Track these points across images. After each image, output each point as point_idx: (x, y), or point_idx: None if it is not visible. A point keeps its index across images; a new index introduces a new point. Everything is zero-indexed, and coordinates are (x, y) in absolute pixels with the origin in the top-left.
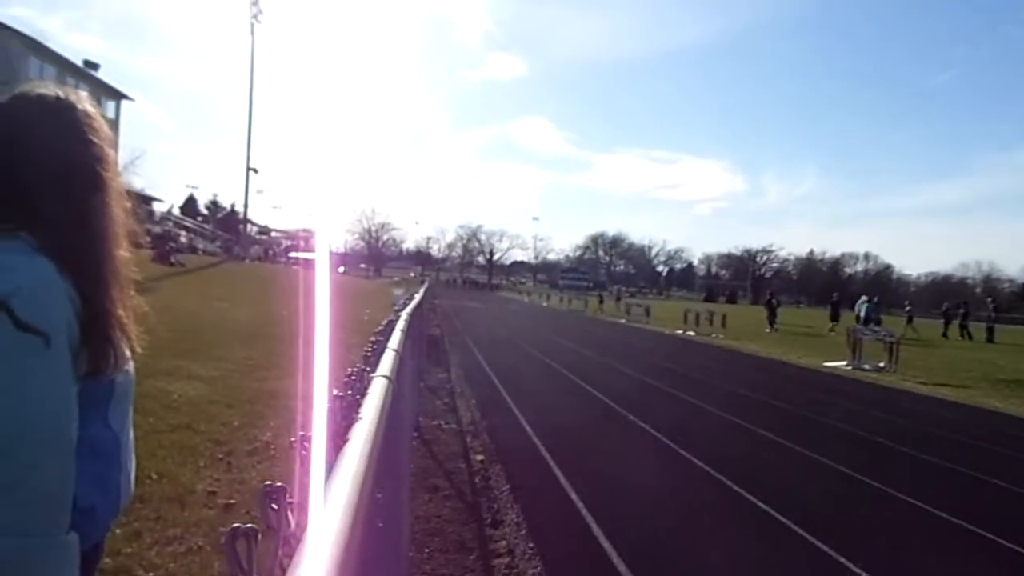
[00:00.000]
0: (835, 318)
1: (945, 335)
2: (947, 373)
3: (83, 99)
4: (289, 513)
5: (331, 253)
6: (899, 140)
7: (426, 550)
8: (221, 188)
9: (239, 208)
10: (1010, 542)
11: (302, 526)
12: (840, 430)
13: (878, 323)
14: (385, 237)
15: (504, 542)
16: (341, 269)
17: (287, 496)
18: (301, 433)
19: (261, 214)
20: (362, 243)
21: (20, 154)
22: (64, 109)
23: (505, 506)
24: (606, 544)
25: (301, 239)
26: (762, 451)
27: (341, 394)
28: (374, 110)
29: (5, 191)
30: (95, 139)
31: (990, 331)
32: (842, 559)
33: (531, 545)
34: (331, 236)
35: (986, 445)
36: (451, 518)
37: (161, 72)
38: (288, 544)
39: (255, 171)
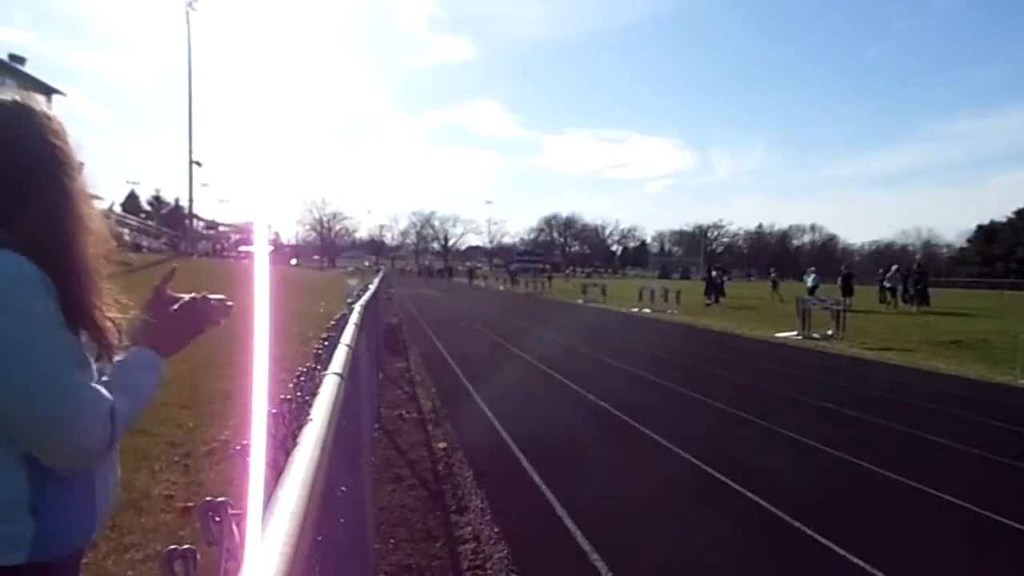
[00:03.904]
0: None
1: (883, 300)
2: (890, 337)
3: (40, 102)
4: (234, 526)
5: (283, 245)
6: (843, 111)
7: (391, 540)
8: (164, 183)
9: (184, 203)
10: (956, 497)
11: (248, 538)
12: (793, 399)
13: (850, 292)
14: (337, 227)
15: (470, 528)
16: (294, 261)
17: (229, 509)
18: (245, 442)
19: (208, 208)
20: (314, 234)
21: None
22: (23, 113)
23: (469, 492)
24: (570, 524)
25: (251, 233)
26: (720, 424)
27: (289, 397)
28: (320, 98)
29: None
30: (56, 141)
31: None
32: (797, 524)
33: (496, 530)
34: (272, 224)
35: (930, 405)
36: (416, 507)
37: (94, 65)
38: (233, 558)
39: (199, 164)
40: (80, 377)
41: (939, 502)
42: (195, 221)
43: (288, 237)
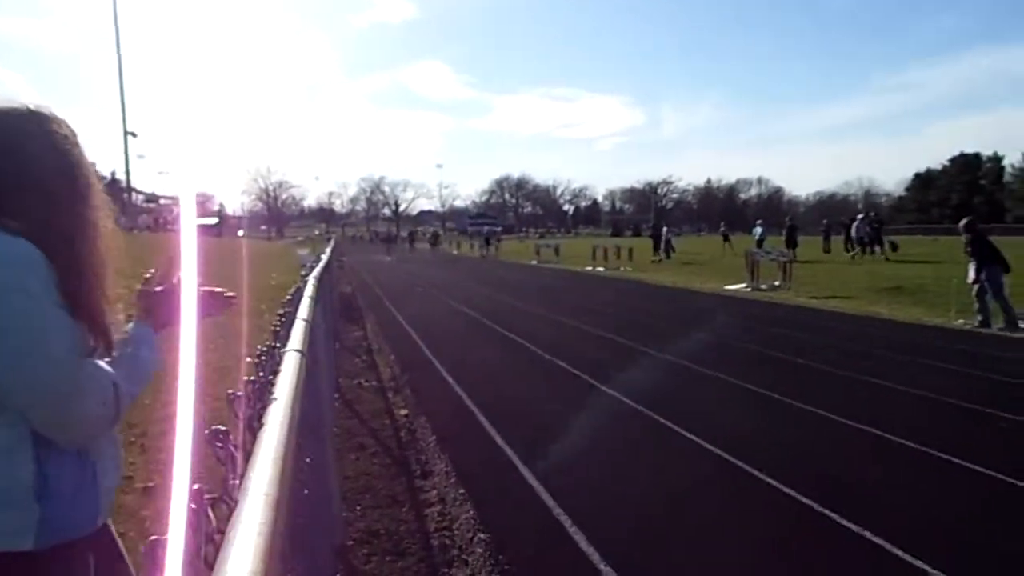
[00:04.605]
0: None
1: (827, 248)
2: (834, 286)
3: (50, 109)
4: (210, 511)
5: (229, 216)
6: (790, 65)
7: (358, 508)
8: (98, 156)
9: (120, 176)
10: (894, 435)
11: (224, 523)
12: (743, 349)
13: (794, 244)
14: (284, 196)
15: (435, 491)
16: (240, 232)
17: (205, 495)
18: (215, 427)
19: (146, 181)
20: (260, 204)
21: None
22: (35, 120)
23: (433, 457)
24: (534, 482)
25: (195, 204)
26: (672, 377)
27: (252, 378)
28: (259, 62)
29: None
30: (68, 147)
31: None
32: (752, 470)
33: (461, 491)
34: (217, 196)
35: (874, 350)
36: (380, 474)
37: (15, 33)
38: (212, 542)
39: (134, 135)
40: (81, 354)
41: (881, 441)
42: (133, 194)
43: (234, 208)
